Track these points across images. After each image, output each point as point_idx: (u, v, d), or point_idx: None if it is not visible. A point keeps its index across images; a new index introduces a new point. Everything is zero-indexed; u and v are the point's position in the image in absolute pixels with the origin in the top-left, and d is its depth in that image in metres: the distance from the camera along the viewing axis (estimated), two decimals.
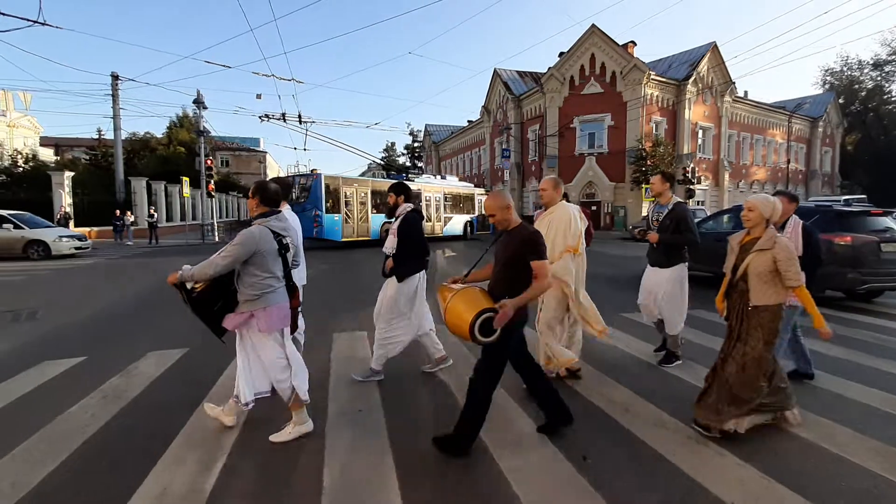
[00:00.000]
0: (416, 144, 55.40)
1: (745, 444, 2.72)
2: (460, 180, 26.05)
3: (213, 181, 20.48)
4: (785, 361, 3.51)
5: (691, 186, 24.70)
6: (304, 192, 16.27)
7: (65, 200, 18.15)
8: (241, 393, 2.77)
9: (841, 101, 41.73)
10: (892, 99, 41.62)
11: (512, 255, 2.54)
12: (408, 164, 52.97)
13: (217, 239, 20.61)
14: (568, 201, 3.89)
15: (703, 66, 28.98)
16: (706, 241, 6.01)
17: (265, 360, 2.75)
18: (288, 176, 16.78)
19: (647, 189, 22.91)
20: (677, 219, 3.96)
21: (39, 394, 3.60)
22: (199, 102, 20.13)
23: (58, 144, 41.29)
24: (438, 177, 24.52)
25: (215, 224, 21.67)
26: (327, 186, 16.20)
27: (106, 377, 3.86)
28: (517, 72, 35.37)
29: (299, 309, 3.05)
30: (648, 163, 25.16)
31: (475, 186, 25.76)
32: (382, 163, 42.89)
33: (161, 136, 35.95)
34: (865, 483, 2.36)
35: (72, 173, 19.76)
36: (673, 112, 28.77)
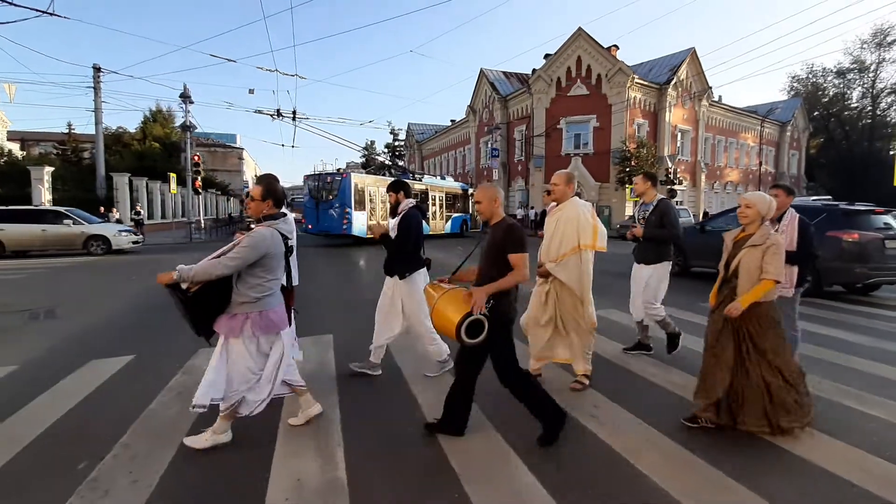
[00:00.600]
0: (396, 143, 54.78)
1: (728, 453, 2.59)
2: (455, 181, 26.55)
3: (199, 178, 19.97)
4: None
5: (673, 187, 25.55)
6: (332, 190, 16.63)
7: (44, 196, 17.33)
8: (198, 395, 2.51)
9: (806, 106, 43.85)
10: (853, 105, 44.07)
11: (493, 246, 2.59)
12: (387, 162, 52.33)
13: (203, 237, 20.07)
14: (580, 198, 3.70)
15: (683, 71, 29.97)
16: (714, 238, 6.12)
17: (236, 366, 2.57)
18: (315, 174, 16.96)
19: (631, 189, 23.55)
20: (661, 213, 4.00)
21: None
22: (185, 97, 19.56)
23: (24, 139, 39.11)
24: (438, 177, 25.01)
25: (202, 221, 21.10)
26: (356, 185, 16.77)
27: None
28: (503, 72, 35.70)
29: (294, 309, 3.02)
30: (632, 163, 25.85)
31: (469, 186, 26.40)
32: (363, 160, 42.58)
33: (134, 130, 34.62)
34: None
35: (51, 168, 18.91)
36: (654, 115, 29.61)
